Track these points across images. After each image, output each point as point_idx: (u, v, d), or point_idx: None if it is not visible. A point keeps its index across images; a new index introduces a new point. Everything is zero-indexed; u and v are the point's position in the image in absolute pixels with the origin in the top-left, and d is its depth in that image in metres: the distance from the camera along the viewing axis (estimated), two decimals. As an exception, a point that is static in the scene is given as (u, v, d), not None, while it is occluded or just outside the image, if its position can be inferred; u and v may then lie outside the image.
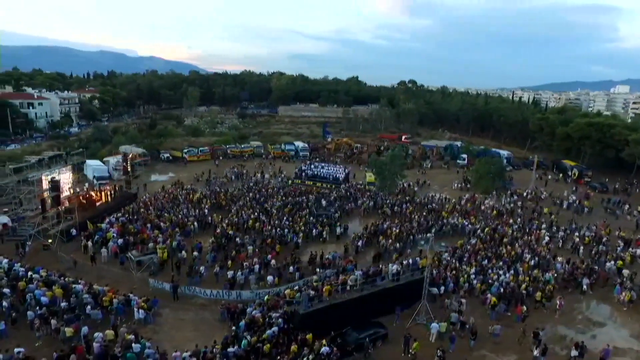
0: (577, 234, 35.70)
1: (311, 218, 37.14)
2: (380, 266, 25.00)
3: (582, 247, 32.85)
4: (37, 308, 20.76)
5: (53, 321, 19.80)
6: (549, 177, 59.21)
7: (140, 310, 21.35)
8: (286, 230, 33.90)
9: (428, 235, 24.52)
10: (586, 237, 34.98)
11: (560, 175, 59.96)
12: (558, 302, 24.05)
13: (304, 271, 27.60)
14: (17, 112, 74.20)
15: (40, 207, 30.24)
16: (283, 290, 23.93)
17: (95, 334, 18.79)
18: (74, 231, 30.73)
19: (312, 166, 56.40)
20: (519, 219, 38.99)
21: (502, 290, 24.81)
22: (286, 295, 22.86)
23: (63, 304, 21.15)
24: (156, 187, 47.86)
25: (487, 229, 35.28)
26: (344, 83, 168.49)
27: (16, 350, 17.57)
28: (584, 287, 26.72)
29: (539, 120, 69.98)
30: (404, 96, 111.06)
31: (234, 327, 20.23)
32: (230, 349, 18.14)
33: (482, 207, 42.33)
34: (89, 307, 21.12)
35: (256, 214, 37.51)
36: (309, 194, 45.68)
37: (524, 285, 25.40)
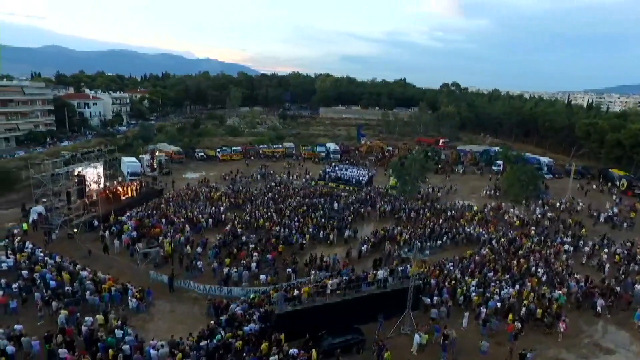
0: (606, 250, 32.90)
1: (322, 220, 37.26)
2: (371, 272, 24.57)
3: (607, 265, 30.21)
4: (45, 290, 22.70)
5: (54, 303, 21.61)
6: (593, 187, 54.90)
7: (134, 299, 22.71)
8: (294, 230, 34.29)
9: (416, 243, 23.73)
10: (617, 255, 32.15)
11: (608, 185, 55.42)
12: (561, 323, 22.29)
13: (301, 272, 27.83)
14: (74, 111, 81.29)
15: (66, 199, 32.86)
16: (270, 289, 24.27)
17: (87, 318, 20.25)
18: (95, 222, 33.17)
19: (337, 168, 56.44)
20: (544, 231, 36.63)
21: (498, 305, 23.50)
22: (271, 295, 23.18)
23: (67, 288, 22.99)
24: (185, 184, 50.21)
25: (502, 239, 33.49)
26: (389, 85, 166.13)
27: (16, 327, 19.43)
28: (598, 308, 24.60)
29: (586, 125, 64.94)
30: (446, 99, 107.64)
31: (212, 322, 20.89)
32: (203, 343, 18.78)
33: (506, 217, 40.17)
34: (88, 292, 22.77)
35: (269, 213, 38.25)
36: (328, 195, 45.78)
37: (526, 302, 23.85)
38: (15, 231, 31.35)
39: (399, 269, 24.41)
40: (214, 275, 27.02)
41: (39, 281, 23.54)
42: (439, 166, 62.52)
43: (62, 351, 17.90)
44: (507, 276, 27.07)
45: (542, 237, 34.80)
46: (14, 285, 23.05)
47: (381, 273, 23.40)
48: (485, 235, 34.58)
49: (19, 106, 69.32)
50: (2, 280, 23.55)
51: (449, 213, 40.50)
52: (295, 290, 21.66)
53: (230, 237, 32.42)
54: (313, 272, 27.08)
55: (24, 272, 24.45)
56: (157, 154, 52.40)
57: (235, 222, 35.43)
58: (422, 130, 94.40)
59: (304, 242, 32.86)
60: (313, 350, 18.70)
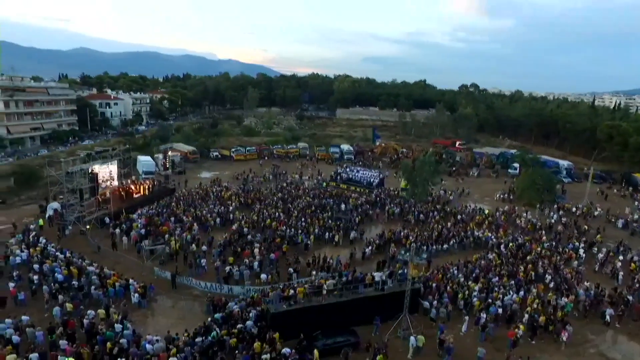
0: (621, 257, 31.72)
1: (329, 221, 37.27)
2: (368, 274, 24.44)
3: (622, 273, 29.13)
4: (53, 284, 23.53)
5: (60, 296, 22.40)
6: (614, 191, 53.04)
7: (136, 295, 23.30)
8: (300, 231, 34.42)
9: (412, 246, 23.40)
10: (633, 263, 30.95)
11: (630, 190, 53.44)
12: (563, 332, 21.60)
13: (304, 273, 27.90)
14: (95, 111, 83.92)
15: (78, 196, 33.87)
16: (268, 288, 24.43)
17: (89, 312, 20.92)
18: (107, 219, 34.13)
19: (348, 169, 56.35)
20: (556, 236, 35.63)
21: (500, 311, 23.00)
22: (269, 294, 23.33)
23: (74, 283, 23.77)
24: (197, 183, 50.95)
25: (511, 244, 32.75)
26: (408, 86, 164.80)
27: (23, 317, 20.27)
28: (607, 317, 23.77)
29: (608, 127, 62.77)
30: (464, 100, 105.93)
31: (209, 319, 21.23)
32: (198, 339, 19.11)
33: (518, 221, 39.24)
34: (93, 287, 23.49)
35: (277, 213, 38.49)
36: (337, 197, 45.74)
37: (529, 309, 23.25)
38: (32, 226, 32.59)
39: (399, 271, 24.21)
40: (216, 273, 27.36)
41: (48, 275, 24.43)
42: (453, 169, 61.66)
43: (63, 342, 18.56)
44: (512, 282, 26.42)
45: (554, 243, 33.86)
46: (35, 278, 23.95)
47: (378, 275, 23.26)
48: (494, 240, 33.91)
49: (44, 106, 72.06)
50: (15, 273, 24.61)
51: (458, 216, 39.87)
52: (291, 290, 21.71)
53: (235, 236, 32.82)
54: (314, 272, 27.13)
55: (35, 266, 25.42)
56: (170, 153, 53.41)
57: (242, 222, 35.79)
58: (439, 132, 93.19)
59: (309, 242, 32.95)
60: (315, 351, 18.76)
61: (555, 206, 44.39)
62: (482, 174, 61.25)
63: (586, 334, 23.11)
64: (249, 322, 20.74)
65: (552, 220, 39.86)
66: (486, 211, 41.85)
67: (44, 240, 29.51)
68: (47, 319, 21.14)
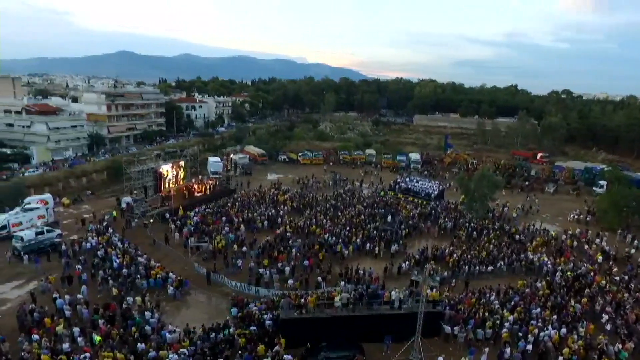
0: None
1: (374, 232, 36.85)
2: (387, 291, 23.78)
3: None
4: (107, 270, 26.84)
5: (110, 281, 25.54)
6: None
7: (171, 287, 25.59)
8: (340, 239, 34.55)
9: (427, 267, 21.95)
10: None
11: None
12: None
13: (333, 282, 28.04)
14: (181, 113, 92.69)
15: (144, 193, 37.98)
16: (287, 293, 25.00)
17: (128, 298, 23.59)
18: (167, 215, 37.69)
19: (407, 179, 54.78)
20: (632, 269, 30.95)
21: (529, 347, 20.85)
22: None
23: (124, 270, 26.87)
24: (263, 185, 53.14)
25: (569, 273, 29.25)
26: (493, 92, 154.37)
27: (78, 296, 23.60)
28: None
29: None
30: (554, 108, 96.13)
31: (228, 316, 22.53)
32: (211, 335, 20.47)
33: (586, 247, 34.84)
34: (138, 276, 26.34)
35: (324, 220, 38.99)
36: (390, 207, 44.83)
37: (567, 350, 20.69)
38: (106, 217, 37.32)
39: (415, 291, 23.25)
40: (250, 273, 28.75)
41: (106, 261, 27.99)
42: (527, 183, 56.61)
43: (101, 322, 21.23)
44: (554, 316, 23.69)
45: (626, 277, 29.48)
46: (95, 262, 27.67)
47: (394, 294, 22.59)
48: (550, 266, 30.62)
49: (138, 109, 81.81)
50: (82, 257, 28.64)
51: (516, 237, 36.67)
52: (301, 299, 22.13)
53: (277, 240, 34.04)
54: (342, 283, 27.13)
55: (99, 252, 29.29)
56: (232, 155, 56.70)
57: (287, 227, 36.89)
58: (520, 142, 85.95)
59: (346, 252, 32.93)
60: None
61: (643, 234, 38.52)
62: (559, 191, 55.28)
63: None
64: (268, 322, 21.65)
65: (633, 250, 34.69)
66: (552, 233, 37.86)
67: (111, 230, 33.69)
68: (99, 299, 24.30)
